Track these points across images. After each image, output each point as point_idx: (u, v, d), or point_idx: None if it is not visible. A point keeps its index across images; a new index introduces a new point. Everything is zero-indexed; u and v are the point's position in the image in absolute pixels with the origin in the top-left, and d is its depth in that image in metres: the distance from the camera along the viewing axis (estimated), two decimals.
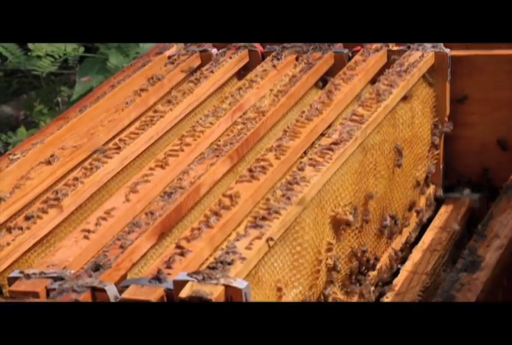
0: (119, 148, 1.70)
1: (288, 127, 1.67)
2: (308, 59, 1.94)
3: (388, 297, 1.74)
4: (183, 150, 1.66)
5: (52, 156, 1.70)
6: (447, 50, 1.91)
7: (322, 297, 1.59)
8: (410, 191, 1.91)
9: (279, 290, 1.45)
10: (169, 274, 1.30)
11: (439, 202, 2.01)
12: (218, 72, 1.95)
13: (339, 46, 1.97)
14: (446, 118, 1.97)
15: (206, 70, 1.95)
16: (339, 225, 1.62)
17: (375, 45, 1.93)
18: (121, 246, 1.40)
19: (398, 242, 1.87)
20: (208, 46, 2.08)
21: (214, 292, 1.24)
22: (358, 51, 1.93)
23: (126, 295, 1.28)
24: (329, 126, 1.72)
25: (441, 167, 2.01)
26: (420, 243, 1.88)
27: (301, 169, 1.53)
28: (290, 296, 1.48)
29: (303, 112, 1.72)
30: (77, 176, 1.62)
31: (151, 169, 1.61)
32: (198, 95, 1.89)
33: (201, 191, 1.56)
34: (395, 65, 1.85)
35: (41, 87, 3.71)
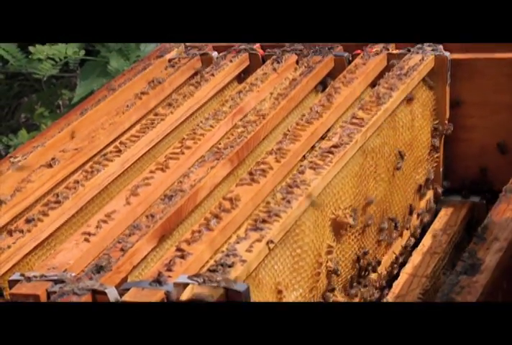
0: (119, 151, 1.70)
1: (288, 130, 1.68)
2: (308, 62, 1.94)
3: (388, 300, 1.74)
4: (183, 153, 1.66)
5: (53, 159, 1.70)
6: (447, 54, 1.91)
7: (322, 300, 1.60)
8: (411, 194, 1.91)
9: (279, 292, 1.45)
10: (169, 276, 1.31)
11: (438, 205, 2.02)
12: (219, 75, 1.95)
13: (339, 49, 1.98)
14: (446, 121, 1.97)
15: (207, 73, 1.96)
16: (339, 228, 1.63)
17: (375, 49, 1.94)
18: (122, 249, 1.41)
19: (398, 245, 1.88)
20: (208, 49, 2.09)
21: (215, 295, 1.25)
22: (358, 54, 1.94)
23: (127, 297, 1.29)
24: (329, 129, 1.73)
25: (441, 169, 2.02)
26: (420, 246, 1.89)
27: (301, 173, 1.53)
28: (291, 299, 1.49)
29: (304, 115, 1.72)
30: (78, 179, 1.62)
31: (151, 172, 1.61)
32: (199, 98, 1.89)
33: (202, 194, 1.56)
34: (395, 69, 1.85)
35: (42, 90, 3.71)
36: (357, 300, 1.71)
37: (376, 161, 1.74)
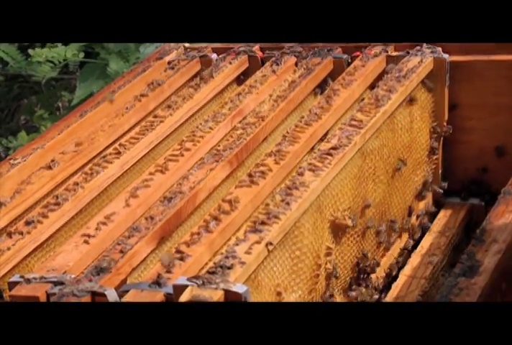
0: (119, 153, 1.70)
1: (287, 132, 1.68)
2: (307, 64, 1.95)
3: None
4: (182, 155, 1.66)
5: (52, 161, 1.70)
6: (446, 56, 1.92)
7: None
8: (409, 196, 1.91)
9: (278, 294, 1.45)
10: (169, 278, 1.31)
11: (437, 206, 2.02)
12: (218, 77, 1.96)
13: (338, 51, 1.98)
14: (445, 123, 1.98)
15: (206, 75, 1.96)
16: (338, 230, 1.63)
17: (373, 51, 1.94)
18: (121, 251, 1.41)
19: (397, 247, 1.88)
20: (208, 51, 2.09)
21: (214, 297, 1.25)
22: (357, 56, 1.94)
23: (126, 299, 1.29)
24: (328, 131, 1.73)
25: (440, 171, 2.02)
26: (419, 247, 1.89)
27: (300, 174, 1.53)
28: (290, 300, 1.49)
29: (303, 117, 1.73)
30: (77, 181, 1.62)
31: (151, 174, 1.61)
32: (198, 100, 1.90)
33: (201, 196, 1.56)
34: (394, 71, 1.86)
35: (42, 92, 3.72)
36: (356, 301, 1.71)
37: (375, 163, 1.75)
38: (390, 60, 1.92)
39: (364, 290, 1.73)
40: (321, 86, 1.93)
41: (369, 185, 1.73)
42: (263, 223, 1.41)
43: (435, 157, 1.98)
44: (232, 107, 1.82)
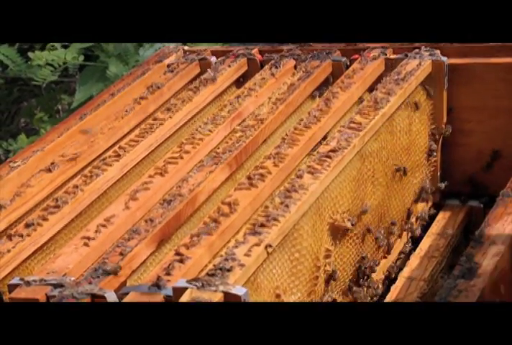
0: (118, 155, 1.71)
1: (286, 135, 1.69)
2: (306, 67, 1.95)
3: None
4: (182, 158, 1.67)
5: (52, 163, 1.71)
6: (444, 58, 1.92)
7: None
8: (408, 198, 1.92)
9: (278, 296, 1.45)
10: (168, 281, 1.31)
11: (436, 209, 2.02)
12: (217, 80, 1.96)
13: (337, 54, 1.99)
14: (444, 125, 1.98)
15: (205, 78, 1.96)
16: (337, 232, 1.63)
17: (372, 53, 1.95)
18: (121, 253, 1.41)
19: (396, 249, 1.88)
20: (207, 54, 2.10)
21: (213, 299, 1.25)
22: (356, 59, 1.95)
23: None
24: (327, 134, 1.73)
25: (439, 174, 2.02)
26: (417, 249, 1.89)
27: (300, 177, 1.54)
28: None
29: (302, 120, 1.73)
30: (77, 184, 1.63)
31: (150, 176, 1.62)
32: (197, 103, 1.90)
33: (200, 198, 1.57)
34: (393, 73, 1.86)
35: (41, 95, 3.72)
36: None
37: (374, 165, 1.75)
38: (388, 62, 1.93)
39: (363, 291, 1.73)
40: (320, 89, 1.94)
41: (368, 187, 1.74)
42: (262, 225, 1.41)
43: (434, 159, 1.98)
44: (231, 110, 1.82)
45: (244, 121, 1.79)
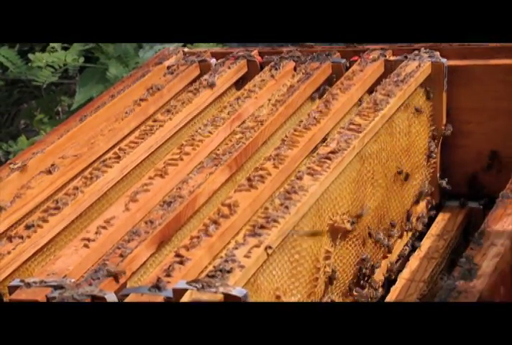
0: (118, 157, 1.71)
1: (286, 136, 1.69)
2: (306, 69, 1.95)
3: None
4: (182, 159, 1.67)
5: (52, 165, 1.71)
6: (444, 60, 1.92)
7: None
8: (408, 199, 1.92)
9: (278, 297, 1.46)
10: (168, 282, 1.31)
11: (436, 210, 2.03)
12: (217, 82, 1.96)
13: (336, 56, 1.99)
14: (443, 127, 1.98)
15: (205, 80, 1.97)
16: (337, 233, 1.63)
17: (372, 55, 1.95)
18: (121, 255, 1.41)
19: (396, 250, 1.88)
20: (207, 56, 2.10)
21: (213, 301, 1.25)
22: (355, 61, 1.95)
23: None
24: (327, 135, 1.74)
25: (438, 175, 2.03)
26: (417, 251, 1.89)
27: (299, 178, 1.54)
28: None
29: (301, 121, 1.74)
30: (77, 185, 1.63)
31: (150, 178, 1.62)
32: (197, 104, 1.90)
33: (200, 200, 1.57)
34: (392, 75, 1.86)
35: (41, 96, 3.73)
36: None
37: (373, 167, 1.75)
38: (388, 64, 1.93)
39: (363, 293, 1.73)
40: (320, 91, 1.94)
41: (368, 188, 1.74)
42: (262, 227, 1.41)
43: (433, 160, 1.99)
44: (231, 111, 1.82)
45: (243, 122, 1.79)
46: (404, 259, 1.89)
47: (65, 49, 3.39)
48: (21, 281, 1.36)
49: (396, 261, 1.87)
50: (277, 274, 1.45)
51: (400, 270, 1.85)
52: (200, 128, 1.77)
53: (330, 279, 1.62)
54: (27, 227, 1.53)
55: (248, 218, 1.47)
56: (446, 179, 2.01)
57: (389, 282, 1.83)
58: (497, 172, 1.99)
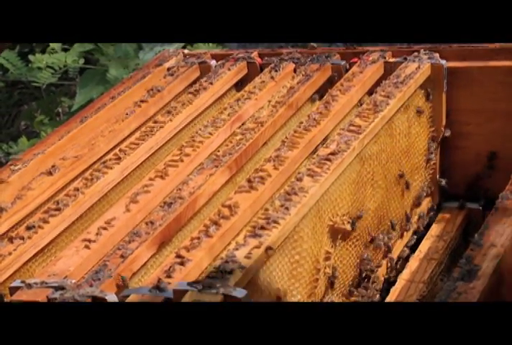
0: (119, 158, 1.71)
1: (286, 138, 1.69)
2: (305, 70, 1.96)
3: None
4: (182, 160, 1.67)
5: (53, 166, 1.71)
6: (443, 62, 1.93)
7: None
8: (408, 200, 1.92)
9: (278, 298, 1.46)
10: (169, 283, 1.32)
11: (435, 211, 2.03)
12: (217, 83, 1.97)
13: (336, 57, 2.00)
14: (443, 128, 1.99)
15: (205, 81, 1.97)
16: (337, 234, 1.64)
17: (371, 57, 1.96)
18: (122, 256, 1.42)
19: (396, 251, 1.89)
20: (207, 57, 2.10)
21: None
22: (355, 62, 1.96)
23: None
24: (327, 137, 1.74)
25: (438, 176, 2.03)
26: (417, 252, 1.90)
27: (299, 180, 1.54)
28: None
29: (301, 123, 1.74)
30: (78, 186, 1.63)
31: (151, 179, 1.62)
32: (198, 106, 1.91)
33: (201, 201, 1.57)
34: (392, 77, 1.87)
35: (42, 98, 3.73)
36: None
37: (373, 168, 1.76)
38: (387, 66, 1.94)
39: (363, 294, 1.74)
40: (320, 92, 1.94)
41: (368, 190, 1.74)
42: (263, 228, 1.42)
43: (433, 162, 1.99)
44: (231, 113, 1.83)
45: (244, 124, 1.80)
46: (404, 260, 1.90)
47: (65, 50, 3.40)
48: (22, 282, 1.37)
49: (396, 262, 1.87)
50: (277, 275, 1.46)
51: (400, 271, 1.86)
52: (200, 129, 1.78)
53: (330, 280, 1.63)
54: (28, 228, 1.53)
55: (248, 219, 1.47)
56: (445, 180, 2.02)
57: (389, 283, 1.83)
58: (496, 173, 2.00)
